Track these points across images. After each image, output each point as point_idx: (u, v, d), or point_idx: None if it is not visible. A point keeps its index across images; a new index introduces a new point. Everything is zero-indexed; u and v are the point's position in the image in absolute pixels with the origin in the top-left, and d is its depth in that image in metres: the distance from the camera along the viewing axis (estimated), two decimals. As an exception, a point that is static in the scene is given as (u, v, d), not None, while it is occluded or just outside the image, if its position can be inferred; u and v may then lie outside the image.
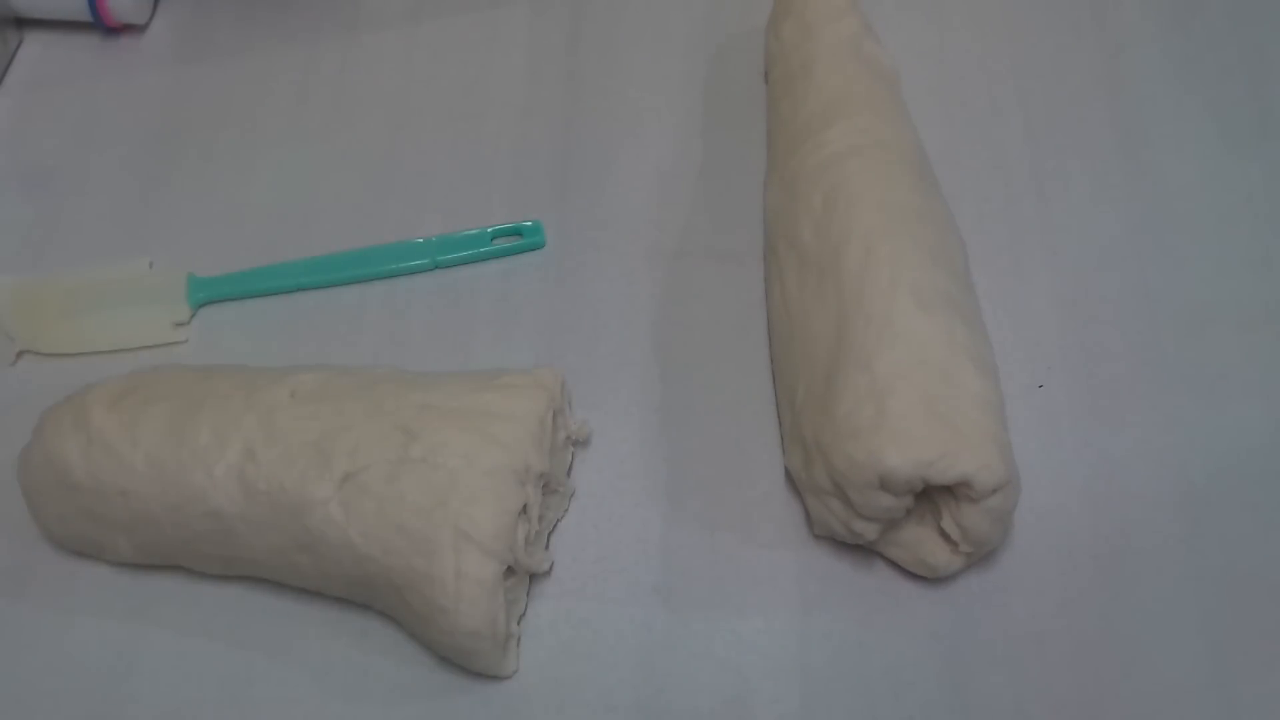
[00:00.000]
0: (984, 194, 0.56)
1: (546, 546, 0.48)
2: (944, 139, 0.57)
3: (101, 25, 0.65)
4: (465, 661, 0.45)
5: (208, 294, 0.56)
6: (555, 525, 0.49)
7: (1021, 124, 0.58)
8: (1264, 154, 0.56)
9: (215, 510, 0.45)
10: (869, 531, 0.44)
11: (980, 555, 0.45)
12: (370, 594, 0.45)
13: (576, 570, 0.48)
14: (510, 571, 0.44)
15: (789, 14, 0.57)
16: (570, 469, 0.50)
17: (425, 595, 0.43)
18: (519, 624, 0.46)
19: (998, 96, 0.59)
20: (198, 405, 0.46)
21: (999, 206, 0.56)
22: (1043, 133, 0.58)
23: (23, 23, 0.67)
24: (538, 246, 0.56)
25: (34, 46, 0.67)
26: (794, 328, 0.49)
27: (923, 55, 0.60)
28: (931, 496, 0.44)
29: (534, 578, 0.47)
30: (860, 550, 0.47)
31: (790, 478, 0.48)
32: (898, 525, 0.45)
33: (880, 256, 0.46)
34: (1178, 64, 0.59)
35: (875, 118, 0.52)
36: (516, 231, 0.56)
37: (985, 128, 0.58)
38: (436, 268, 0.56)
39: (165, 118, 0.63)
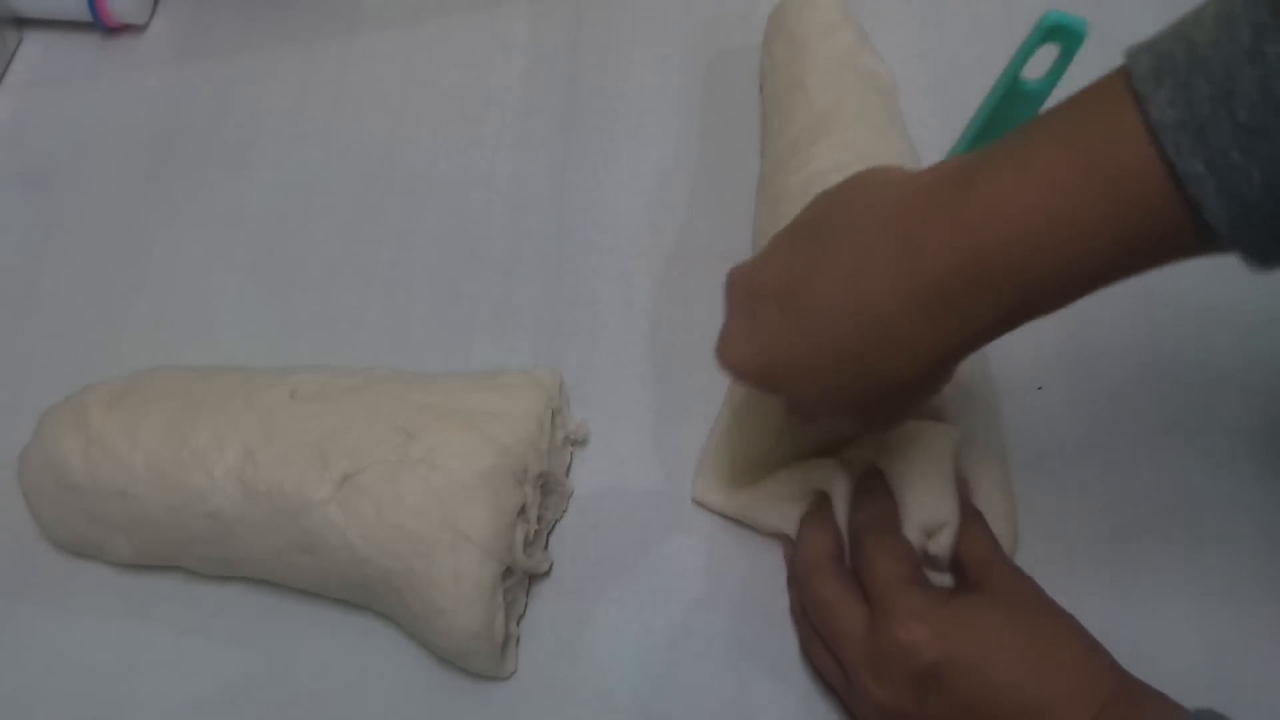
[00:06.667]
0: (984, 194, 0.56)
1: (545, 547, 0.48)
2: (943, 143, 0.56)
3: (101, 25, 0.65)
4: (463, 662, 0.45)
5: None
6: (554, 525, 0.49)
7: (1021, 124, 0.58)
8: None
9: (214, 511, 0.45)
10: None
11: None
12: (369, 595, 0.45)
13: (576, 570, 0.48)
14: (509, 572, 0.44)
15: (780, 31, 0.57)
16: (569, 469, 0.50)
17: (424, 597, 0.43)
18: (518, 624, 0.46)
19: (997, 97, 0.59)
20: (197, 406, 0.46)
21: (999, 207, 0.55)
22: (1042, 133, 0.58)
23: (23, 23, 0.67)
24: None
25: (34, 46, 0.67)
26: None
27: (922, 59, 0.60)
28: None
29: (533, 578, 0.47)
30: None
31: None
32: None
33: None
34: (1177, 64, 0.59)
35: (864, 131, 0.51)
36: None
37: (985, 128, 0.58)
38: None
39: (165, 118, 0.63)
